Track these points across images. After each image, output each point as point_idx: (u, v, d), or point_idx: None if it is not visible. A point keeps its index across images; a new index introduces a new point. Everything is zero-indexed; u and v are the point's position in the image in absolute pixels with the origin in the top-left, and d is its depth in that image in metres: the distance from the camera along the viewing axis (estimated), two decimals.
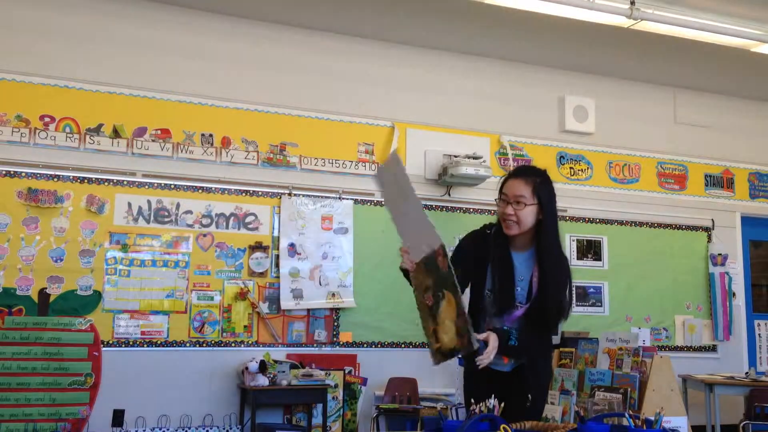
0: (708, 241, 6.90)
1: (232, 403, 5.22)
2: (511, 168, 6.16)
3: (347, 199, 5.73)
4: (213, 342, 5.25)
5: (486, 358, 2.43)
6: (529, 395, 2.61)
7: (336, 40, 5.89)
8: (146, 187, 5.22)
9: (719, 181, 7.11)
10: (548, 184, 2.68)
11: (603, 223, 6.55)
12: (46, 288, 4.88)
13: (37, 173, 4.97)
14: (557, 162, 6.48)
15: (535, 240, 2.67)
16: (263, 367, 4.93)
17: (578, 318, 6.28)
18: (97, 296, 5.00)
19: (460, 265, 2.69)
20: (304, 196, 5.62)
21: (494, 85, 6.37)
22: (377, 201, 5.83)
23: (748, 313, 7.02)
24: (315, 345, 5.50)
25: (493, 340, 2.47)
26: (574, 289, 2.83)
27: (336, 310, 5.60)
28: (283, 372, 5.01)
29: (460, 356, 2.49)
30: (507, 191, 2.65)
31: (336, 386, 5.28)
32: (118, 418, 4.76)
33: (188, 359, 5.16)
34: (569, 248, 6.36)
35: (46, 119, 5.05)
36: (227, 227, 5.39)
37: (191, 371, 5.15)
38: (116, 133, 5.21)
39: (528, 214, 2.62)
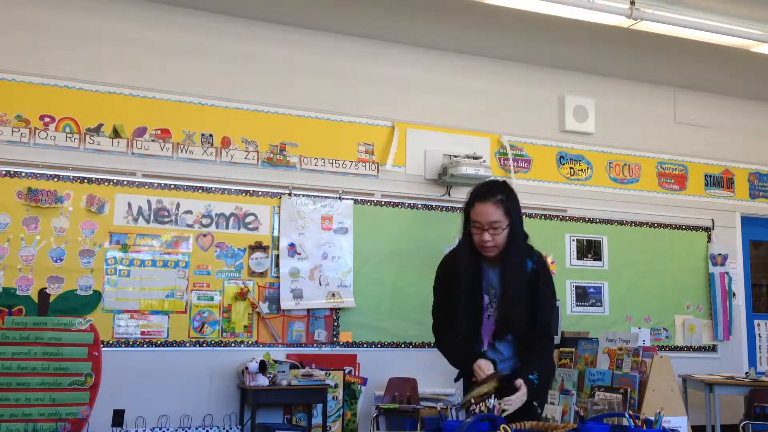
0: (708, 241, 6.91)
1: (232, 403, 5.22)
2: (511, 168, 6.22)
3: (347, 199, 5.73)
4: (213, 342, 5.25)
5: (512, 405, 2.39)
6: (535, 402, 2.60)
7: (336, 40, 5.90)
8: (146, 187, 5.22)
9: (719, 181, 7.11)
10: (514, 196, 2.62)
11: (603, 223, 6.55)
12: (46, 288, 4.88)
13: (37, 173, 4.97)
14: (557, 162, 6.48)
15: (504, 251, 2.62)
16: (263, 367, 4.93)
17: (578, 318, 6.28)
18: (97, 296, 5.00)
19: (443, 296, 2.71)
20: (304, 196, 5.62)
21: (494, 85, 6.37)
22: (377, 201, 5.84)
23: (748, 313, 7.02)
24: (315, 345, 5.51)
25: (522, 394, 2.45)
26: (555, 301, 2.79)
27: (336, 310, 5.60)
28: (283, 372, 5.01)
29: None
30: (480, 219, 2.56)
31: (336, 386, 5.28)
32: (118, 418, 4.76)
33: (188, 359, 5.16)
34: (569, 248, 6.37)
35: (46, 119, 5.05)
36: (227, 227, 5.39)
37: (191, 371, 5.15)
38: (116, 133, 5.21)
39: (503, 236, 2.57)
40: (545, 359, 2.63)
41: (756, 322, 7.06)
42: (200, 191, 5.36)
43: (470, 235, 2.62)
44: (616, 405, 3.06)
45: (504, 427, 1.85)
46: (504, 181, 2.68)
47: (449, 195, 6.03)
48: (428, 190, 6.00)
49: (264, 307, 5.39)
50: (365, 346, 5.65)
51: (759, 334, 7.03)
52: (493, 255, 2.61)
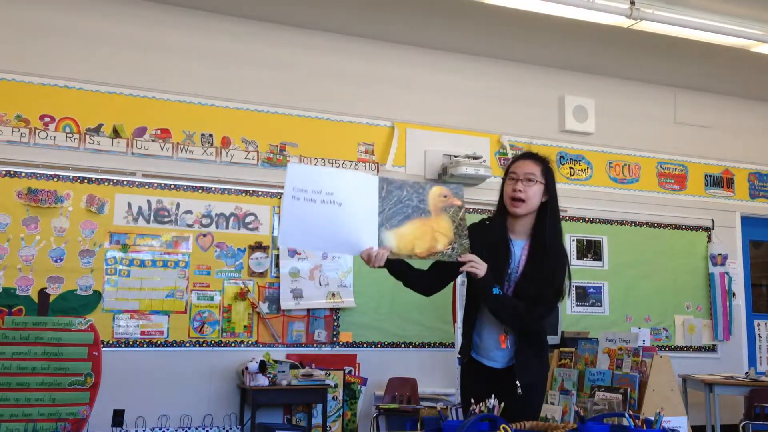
0: (708, 241, 6.91)
1: (232, 403, 5.22)
2: None
3: None
4: (213, 342, 5.25)
5: (471, 261, 2.54)
6: (518, 385, 2.62)
7: (336, 40, 5.89)
8: (146, 187, 5.22)
9: (719, 181, 7.11)
10: (551, 170, 2.75)
11: (603, 223, 6.55)
12: (46, 288, 4.89)
13: (37, 173, 4.97)
14: (557, 162, 6.48)
15: (534, 227, 2.71)
16: (263, 367, 4.93)
17: (578, 318, 6.28)
18: (97, 296, 5.00)
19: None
20: None
21: (494, 85, 6.37)
22: None
23: (748, 313, 7.02)
24: (315, 345, 5.51)
25: (481, 263, 2.57)
26: (570, 279, 2.83)
27: (336, 310, 5.60)
28: (283, 372, 5.01)
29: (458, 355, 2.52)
30: (516, 170, 2.70)
31: (336, 386, 5.28)
32: (118, 418, 4.76)
33: (188, 359, 5.16)
34: (569, 248, 6.36)
35: (46, 119, 5.05)
36: (227, 227, 5.39)
37: (191, 371, 5.15)
38: (116, 133, 5.21)
39: (536, 192, 2.66)
40: (517, 306, 2.64)
41: (756, 322, 7.06)
42: (200, 191, 5.36)
43: (503, 207, 2.73)
44: (616, 405, 3.06)
45: (504, 427, 1.85)
46: (547, 157, 2.81)
47: None
48: None
49: (264, 307, 5.39)
50: (365, 346, 5.65)
51: (759, 334, 7.03)
52: (520, 212, 2.67)
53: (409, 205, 2.52)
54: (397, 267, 2.61)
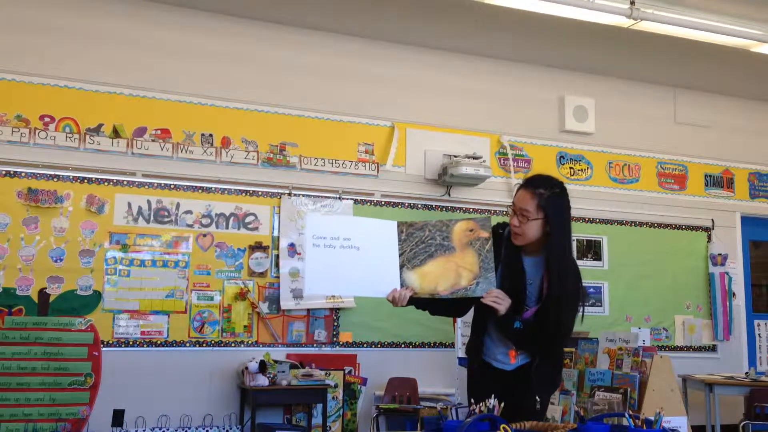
0: (708, 241, 6.90)
1: (232, 403, 5.22)
2: (511, 168, 6.23)
3: (347, 199, 5.73)
4: (213, 342, 5.25)
5: (495, 297, 2.52)
6: (538, 398, 2.59)
7: (336, 40, 5.89)
8: (146, 187, 5.22)
9: (719, 181, 7.11)
10: (558, 198, 2.62)
11: (603, 223, 6.55)
12: (46, 288, 4.89)
13: (37, 173, 4.97)
14: (557, 162, 6.48)
15: (544, 247, 2.64)
16: (263, 367, 4.93)
17: (578, 318, 6.27)
18: (97, 296, 5.00)
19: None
20: (304, 196, 5.62)
21: (494, 85, 6.37)
22: (377, 201, 5.83)
23: (748, 313, 7.02)
24: (315, 345, 5.51)
25: (505, 298, 2.54)
26: (582, 303, 2.77)
27: (336, 310, 5.60)
28: (283, 372, 5.01)
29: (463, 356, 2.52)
30: (515, 202, 2.65)
31: (336, 386, 5.28)
32: (118, 418, 4.76)
33: (188, 359, 5.16)
34: None
35: (46, 119, 5.05)
36: (227, 227, 5.39)
37: (191, 371, 5.15)
38: (116, 133, 5.21)
39: (531, 228, 2.59)
40: (536, 337, 2.61)
41: (756, 322, 7.06)
42: (200, 191, 5.36)
43: None
44: (616, 405, 3.07)
45: (504, 427, 1.85)
46: (558, 182, 2.68)
47: (449, 195, 6.03)
48: (428, 190, 6.00)
49: (264, 307, 5.39)
50: (365, 346, 5.65)
51: (759, 334, 7.03)
52: (517, 243, 2.66)
53: (431, 244, 2.55)
54: (421, 301, 2.61)
